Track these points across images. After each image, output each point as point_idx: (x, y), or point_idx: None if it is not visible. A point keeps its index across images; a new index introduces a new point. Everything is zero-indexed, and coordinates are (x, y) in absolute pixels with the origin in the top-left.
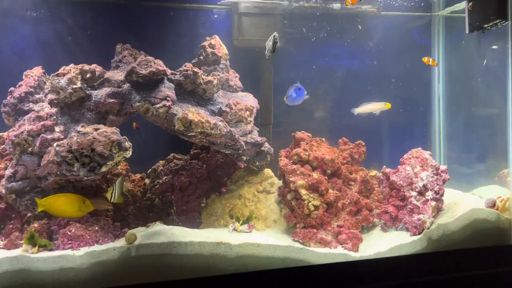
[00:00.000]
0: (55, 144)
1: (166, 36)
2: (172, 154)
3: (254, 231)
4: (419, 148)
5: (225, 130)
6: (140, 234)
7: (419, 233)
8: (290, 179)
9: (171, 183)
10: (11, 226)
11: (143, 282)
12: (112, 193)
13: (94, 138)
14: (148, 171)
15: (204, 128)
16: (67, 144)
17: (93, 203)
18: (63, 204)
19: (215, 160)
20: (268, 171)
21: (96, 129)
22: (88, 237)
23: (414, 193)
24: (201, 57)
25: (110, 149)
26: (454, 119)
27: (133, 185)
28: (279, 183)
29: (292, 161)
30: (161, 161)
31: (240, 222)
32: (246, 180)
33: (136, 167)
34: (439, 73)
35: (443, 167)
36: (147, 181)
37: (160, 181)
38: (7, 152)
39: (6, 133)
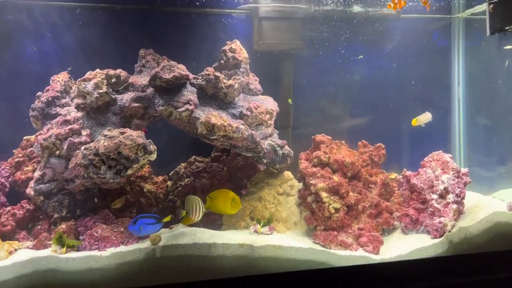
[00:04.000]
0: (82, 148)
1: (187, 41)
2: (193, 157)
3: (275, 233)
4: (439, 151)
5: (246, 134)
6: (164, 235)
7: (440, 236)
8: (311, 181)
9: (193, 185)
10: (39, 227)
11: (168, 283)
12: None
13: (120, 141)
14: (170, 174)
15: (226, 131)
16: (94, 147)
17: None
18: (220, 199)
19: (235, 162)
20: (288, 174)
21: (122, 133)
22: (114, 238)
23: (435, 196)
24: (222, 61)
25: (136, 152)
26: (475, 121)
27: (155, 187)
28: (299, 185)
29: (312, 163)
30: (182, 164)
31: (261, 224)
32: (266, 183)
33: (158, 170)
34: (459, 76)
35: (464, 170)
36: (169, 183)
37: (183, 183)
38: (35, 155)
39: (33, 137)
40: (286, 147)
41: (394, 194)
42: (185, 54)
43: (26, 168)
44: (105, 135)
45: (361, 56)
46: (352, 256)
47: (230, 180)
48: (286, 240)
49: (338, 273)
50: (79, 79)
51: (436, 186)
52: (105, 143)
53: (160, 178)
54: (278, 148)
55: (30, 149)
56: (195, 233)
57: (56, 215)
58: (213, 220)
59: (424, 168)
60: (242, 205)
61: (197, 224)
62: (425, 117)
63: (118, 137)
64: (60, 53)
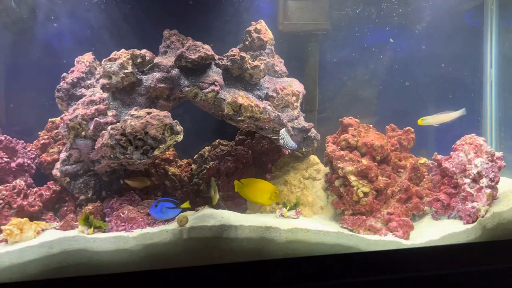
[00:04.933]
0: (109, 128)
1: (210, 22)
2: (217, 140)
3: (301, 217)
4: (472, 134)
5: (273, 115)
6: (191, 217)
7: (473, 222)
8: (339, 165)
9: (217, 168)
10: (65, 208)
11: (195, 265)
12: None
13: (147, 121)
14: (195, 157)
15: (253, 112)
16: (121, 127)
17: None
18: (259, 189)
19: (260, 146)
20: (313, 158)
21: (148, 113)
22: (140, 219)
23: (467, 180)
24: (247, 42)
25: (163, 132)
26: (508, 105)
27: (180, 170)
28: (325, 169)
29: (340, 147)
30: (206, 147)
31: (287, 207)
32: (291, 167)
33: (181, 153)
34: (491, 57)
35: (498, 153)
36: (193, 166)
37: (208, 166)
38: (60, 136)
39: (58, 118)
40: (313, 130)
41: (424, 179)
42: (208, 35)
43: (51, 150)
44: (132, 115)
45: (391, 40)
46: (382, 241)
47: (255, 163)
48: (313, 224)
49: (368, 258)
50: (104, 59)
51: (469, 170)
52: (132, 123)
53: (184, 161)
54: (287, 138)
55: (55, 131)
56: (221, 215)
57: (81, 197)
58: (237, 204)
59: (457, 152)
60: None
61: (221, 207)
62: (437, 119)
63: (145, 117)
64: (84, 34)
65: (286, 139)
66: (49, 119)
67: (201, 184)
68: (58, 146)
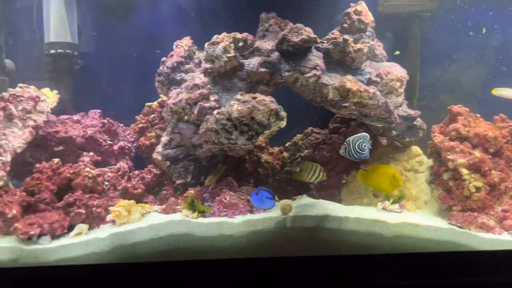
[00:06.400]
0: (215, 112)
1: (305, 4)
2: (310, 128)
3: (404, 211)
4: None
5: (381, 101)
6: (292, 206)
7: None
8: (448, 157)
9: (312, 156)
10: (164, 192)
11: (298, 255)
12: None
13: (253, 106)
14: (287, 144)
15: (362, 97)
16: (227, 112)
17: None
18: (382, 175)
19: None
20: (415, 148)
21: (254, 98)
22: (242, 205)
23: None
24: (345, 25)
25: (269, 117)
26: None
27: (272, 157)
28: (428, 161)
29: (448, 137)
30: (298, 135)
31: (391, 201)
32: (391, 157)
33: (270, 140)
34: None
35: None
36: (285, 154)
37: (302, 155)
38: (156, 121)
39: (155, 103)
40: (418, 118)
41: None
42: (304, 18)
43: (149, 134)
44: (238, 100)
45: (484, 30)
46: (496, 240)
47: None
48: (420, 219)
49: (483, 257)
50: (207, 43)
51: None
52: (238, 108)
53: (276, 149)
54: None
55: (152, 115)
56: (324, 206)
57: (179, 181)
58: (332, 195)
59: None
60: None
61: (314, 197)
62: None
63: (251, 101)
64: (178, 18)
65: (349, 148)
66: (146, 104)
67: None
68: (155, 131)
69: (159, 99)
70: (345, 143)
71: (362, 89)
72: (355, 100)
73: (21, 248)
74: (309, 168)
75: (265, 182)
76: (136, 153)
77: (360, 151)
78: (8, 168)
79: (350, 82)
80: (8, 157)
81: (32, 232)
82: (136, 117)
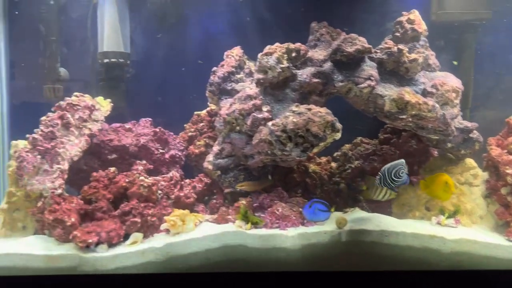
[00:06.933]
0: (270, 123)
1: (354, 13)
2: (359, 138)
3: (460, 227)
4: None
5: (440, 113)
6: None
7: None
8: (507, 171)
9: (362, 168)
10: (214, 201)
11: (354, 270)
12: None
13: (309, 118)
14: (335, 154)
15: (420, 110)
16: (282, 123)
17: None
18: (440, 183)
19: (407, 146)
20: (470, 161)
21: (309, 109)
22: (294, 217)
23: None
24: (397, 34)
25: (324, 130)
26: None
27: (320, 167)
28: (483, 175)
29: (507, 150)
30: (346, 145)
31: (446, 215)
32: (444, 170)
33: None
34: None
35: None
36: (333, 164)
37: (353, 166)
38: (205, 129)
39: (204, 112)
40: (475, 131)
41: None
42: (352, 27)
43: (198, 143)
44: (294, 111)
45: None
46: None
47: None
48: (477, 235)
49: None
50: (260, 53)
51: None
52: (294, 119)
53: (323, 159)
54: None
55: (201, 124)
56: (379, 220)
57: (227, 190)
58: (382, 207)
59: None
60: (416, 193)
61: (365, 209)
62: None
63: (306, 113)
64: (228, 27)
65: (384, 178)
66: (195, 112)
67: (340, 183)
68: (204, 139)
69: (208, 108)
70: (379, 173)
71: (421, 102)
72: (413, 112)
73: (80, 256)
74: (376, 185)
75: (313, 193)
76: (185, 162)
77: (396, 179)
78: (65, 176)
79: (409, 94)
80: (66, 165)
81: (90, 240)
82: (185, 125)
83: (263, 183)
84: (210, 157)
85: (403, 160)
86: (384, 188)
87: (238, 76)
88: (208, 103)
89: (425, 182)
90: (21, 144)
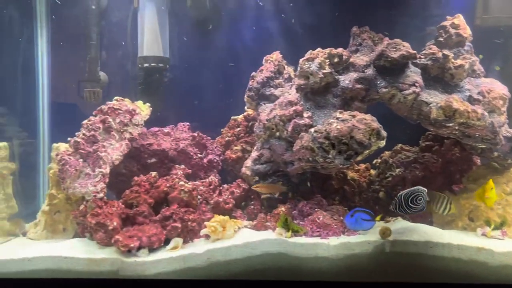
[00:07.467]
0: (312, 130)
1: (395, 18)
2: (399, 145)
3: (506, 239)
4: None
5: (488, 122)
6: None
7: None
8: None
9: (403, 176)
10: (252, 207)
11: (399, 281)
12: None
13: (353, 125)
14: (374, 162)
15: (469, 118)
16: (325, 130)
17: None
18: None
19: (450, 154)
20: None
21: (353, 116)
22: (335, 226)
23: None
24: (441, 39)
25: (369, 137)
26: None
27: (358, 175)
28: None
29: None
30: (386, 152)
31: (492, 227)
32: (488, 179)
33: None
34: None
35: None
36: (372, 172)
37: (394, 174)
38: (242, 134)
39: (241, 116)
40: None
41: None
42: (393, 31)
43: (235, 148)
44: (337, 118)
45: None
46: None
47: (442, 173)
48: None
49: None
50: (302, 59)
51: None
52: (338, 126)
53: (362, 166)
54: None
55: (237, 129)
56: (424, 231)
57: (264, 196)
58: (423, 217)
59: None
60: (459, 203)
61: (406, 219)
62: None
63: (351, 120)
64: (266, 32)
65: (400, 203)
66: (232, 117)
67: (379, 191)
68: (241, 144)
69: (245, 113)
70: (396, 198)
71: (470, 110)
72: (461, 120)
73: (122, 260)
74: (437, 198)
75: (351, 200)
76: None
77: (413, 205)
78: (107, 180)
79: (457, 101)
80: (107, 169)
81: (132, 245)
82: (222, 130)
83: (278, 188)
84: (248, 163)
85: (424, 189)
86: (444, 201)
87: (277, 81)
88: (246, 107)
89: (480, 192)
90: (62, 147)
